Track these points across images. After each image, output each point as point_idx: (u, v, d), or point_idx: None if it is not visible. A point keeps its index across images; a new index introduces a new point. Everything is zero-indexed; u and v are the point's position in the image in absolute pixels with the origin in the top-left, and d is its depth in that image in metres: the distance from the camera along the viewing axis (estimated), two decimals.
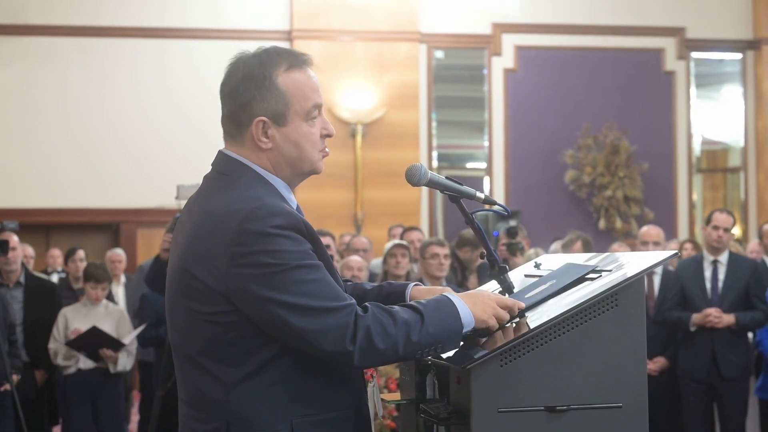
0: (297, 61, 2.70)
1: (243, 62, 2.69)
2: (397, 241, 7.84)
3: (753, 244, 10.25)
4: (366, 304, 2.56)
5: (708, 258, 7.60)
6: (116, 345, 7.59)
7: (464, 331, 2.60)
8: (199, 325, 2.59)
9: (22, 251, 8.34)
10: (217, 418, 2.58)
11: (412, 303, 2.62)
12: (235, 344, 2.56)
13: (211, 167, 2.75)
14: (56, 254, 9.83)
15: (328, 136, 2.75)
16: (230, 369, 2.56)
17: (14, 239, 7.86)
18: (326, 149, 2.76)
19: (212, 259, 2.55)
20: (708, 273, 7.56)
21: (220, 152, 2.74)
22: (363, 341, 2.49)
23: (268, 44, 2.80)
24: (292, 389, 2.56)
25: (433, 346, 2.57)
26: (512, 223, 9.85)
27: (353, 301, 2.55)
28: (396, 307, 2.58)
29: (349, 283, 3.00)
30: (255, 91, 2.64)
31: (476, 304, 2.63)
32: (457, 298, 2.64)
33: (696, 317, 7.39)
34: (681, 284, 7.59)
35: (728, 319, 7.34)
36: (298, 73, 2.69)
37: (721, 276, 7.52)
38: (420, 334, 2.54)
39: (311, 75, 2.72)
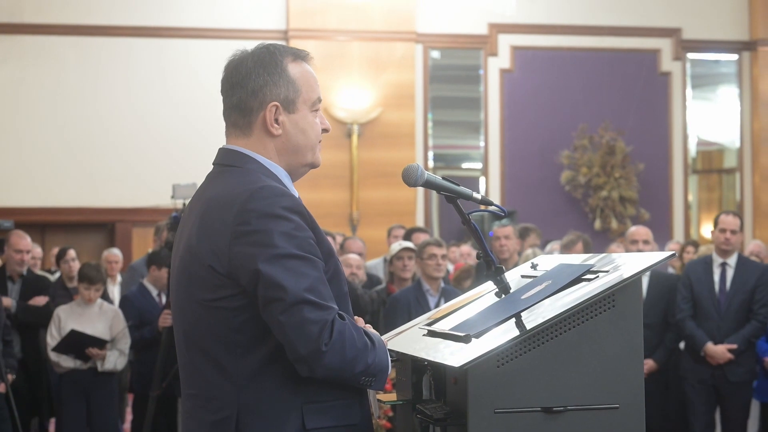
0: (300, 54, 2.79)
1: (250, 54, 2.74)
2: (405, 243, 7.75)
3: (753, 245, 10.20)
4: (342, 313, 2.58)
5: (717, 260, 7.53)
6: (100, 343, 7.55)
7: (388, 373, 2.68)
8: (207, 314, 2.61)
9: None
10: (227, 406, 2.59)
11: (363, 329, 2.65)
12: (242, 330, 2.57)
13: (212, 166, 2.77)
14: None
15: (326, 131, 2.82)
16: (239, 358, 2.58)
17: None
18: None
19: (217, 241, 2.57)
20: (717, 276, 7.49)
21: (220, 149, 2.77)
22: (336, 344, 2.51)
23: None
24: (301, 376, 2.56)
25: (373, 377, 2.62)
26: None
27: (336, 307, 2.56)
28: (360, 327, 2.63)
29: None
30: (267, 77, 2.70)
31: None
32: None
33: (707, 349, 7.33)
34: (691, 287, 7.54)
35: (726, 355, 7.28)
36: (304, 65, 2.78)
37: (729, 279, 7.45)
38: (373, 358, 2.60)
39: (312, 70, 2.80)
